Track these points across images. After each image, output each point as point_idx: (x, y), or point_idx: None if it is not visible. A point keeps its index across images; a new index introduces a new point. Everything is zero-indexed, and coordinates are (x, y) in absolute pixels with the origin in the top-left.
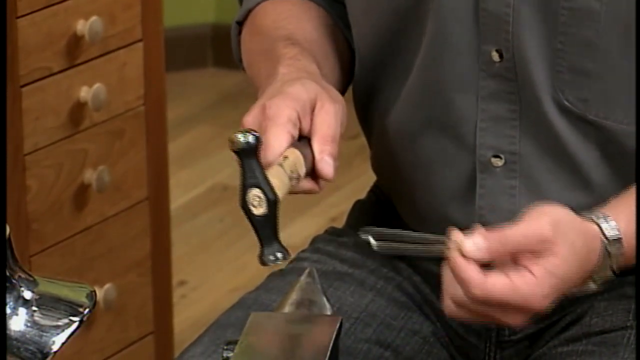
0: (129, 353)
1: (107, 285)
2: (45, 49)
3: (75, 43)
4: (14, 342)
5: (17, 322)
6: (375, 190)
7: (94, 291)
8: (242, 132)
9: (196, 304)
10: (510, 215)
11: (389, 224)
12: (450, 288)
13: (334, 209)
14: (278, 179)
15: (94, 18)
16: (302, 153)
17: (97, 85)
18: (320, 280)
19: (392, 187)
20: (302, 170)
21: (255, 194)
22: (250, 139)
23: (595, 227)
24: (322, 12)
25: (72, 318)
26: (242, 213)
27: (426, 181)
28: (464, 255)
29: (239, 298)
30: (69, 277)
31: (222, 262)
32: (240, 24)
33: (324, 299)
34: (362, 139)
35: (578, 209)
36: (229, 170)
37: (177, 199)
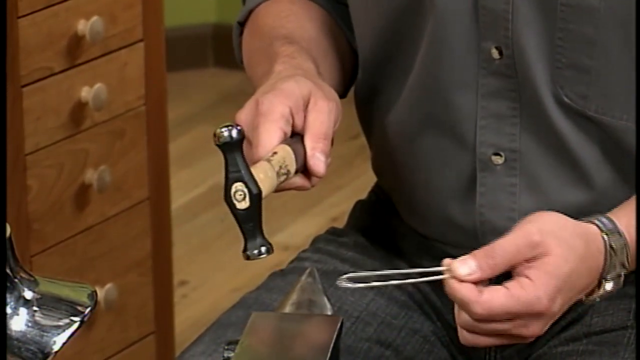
0: (129, 353)
1: (107, 285)
2: (46, 49)
3: (76, 43)
4: (15, 342)
5: (18, 322)
6: (376, 190)
7: (95, 291)
8: (225, 126)
9: (197, 304)
10: (511, 213)
11: (390, 224)
12: (458, 317)
13: (335, 209)
14: (264, 174)
15: (94, 18)
16: (294, 149)
17: (98, 85)
18: (321, 280)
19: (393, 187)
20: (293, 167)
21: (238, 188)
22: (234, 133)
23: (593, 226)
24: (323, 13)
25: (73, 318)
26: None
27: (427, 180)
28: (460, 280)
29: (239, 298)
30: (69, 277)
31: (223, 262)
32: (242, 24)
33: (325, 299)
34: (363, 139)
35: (579, 206)
36: None
37: (178, 199)
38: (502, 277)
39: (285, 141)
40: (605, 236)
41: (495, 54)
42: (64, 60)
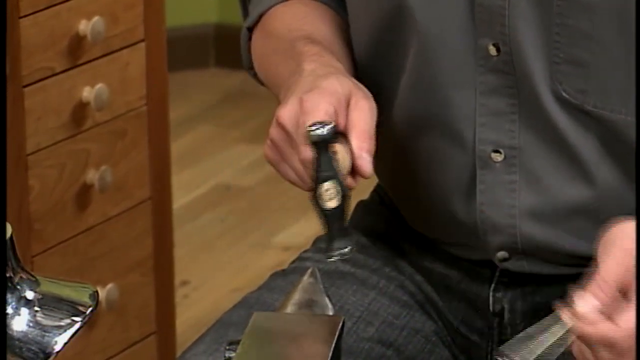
0: (131, 353)
1: (109, 286)
2: (47, 49)
3: (77, 43)
4: (16, 342)
5: (20, 322)
6: (378, 190)
7: (96, 291)
8: (318, 123)
9: (198, 304)
10: (512, 210)
11: (392, 224)
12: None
13: None
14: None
15: (96, 18)
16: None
17: (99, 86)
18: (323, 280)
19: (394, 187)
20: (348, 165)
21: (329, 186)
22: (326, 131)
23: None
24: (333, 14)
25: (74, 318)
26: (244, 213)
27: (427, 179)
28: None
29: (241, 298)
30: (71, 277)
31: (224, 262)
32: (251, 30)
33: (326, 299)
34: None
35: (580, 202)
36: (232, 170)
37: (180, 199)
38: None
39: None
40: None
41: (492, 50)
42: (66, 60)
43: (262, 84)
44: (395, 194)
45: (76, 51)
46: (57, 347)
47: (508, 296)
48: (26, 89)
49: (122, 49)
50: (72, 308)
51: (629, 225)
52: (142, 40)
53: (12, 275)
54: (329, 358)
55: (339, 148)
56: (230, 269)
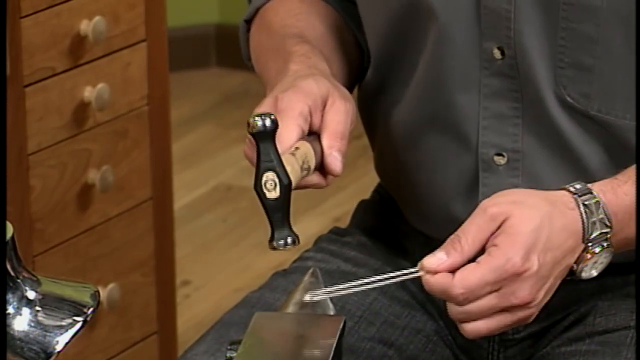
0: (132, 353)
1: (110, 285)
2: (48, 49)
3: (78, 43)
4: (18, 342)
5: (21, 322)
6: (379, 190)
7: (98, 291)
8: (259, 115)
9: (200, 304)
10: None
11: (393, 224)
12: (450, 311)
13: (338, 209)
14: (291, 166)
15: (97, 18)
16: (312, 147)
17: (100, 85)
18: (324, 280)
19: (396, 187)
20: (313, 163)
21: (270, 177)
22: (268, 122)
23: (563, 190)
24: (330, 10)
25: (75, 318)
26: (245, 213)
27: (429, 180)
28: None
29: (242, 297)
30: (72, 277)
31: (225, 262)
32: (249, 22)
33: (328, 298)
34: (366, 140)
35: None
36: (233, 170)
37: (181, 199)
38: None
39: (302, 139)
40: (575, 196)
41: (497, 54)
42: (67, 60)
43: None
44: (397, 193)
45: (77, 51)
46: (59, 347)
47: None
48: (27, 89)
49: (123, 48)
50: (73, 308)
51: (502, 192)
52: (144, 40)
53: (13, 275)
54: (330, 358)
55: (304, 145)
56: (231, 269)
